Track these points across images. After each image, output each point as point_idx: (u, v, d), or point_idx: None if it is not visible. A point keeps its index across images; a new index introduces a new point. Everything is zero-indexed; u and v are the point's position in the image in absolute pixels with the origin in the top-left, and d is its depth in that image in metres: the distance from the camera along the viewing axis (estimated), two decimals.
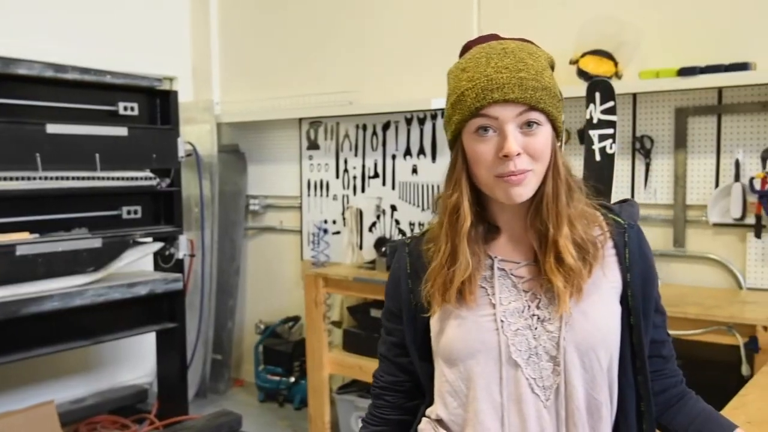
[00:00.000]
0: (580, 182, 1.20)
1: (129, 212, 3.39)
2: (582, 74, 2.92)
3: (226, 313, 4.31)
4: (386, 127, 3.73)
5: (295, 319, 4.12)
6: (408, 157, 3.66)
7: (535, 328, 1.14)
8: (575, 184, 1.18)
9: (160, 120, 3.55)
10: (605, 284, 1.17)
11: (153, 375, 4.20)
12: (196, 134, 4.19)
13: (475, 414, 1.15)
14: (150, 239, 3.52)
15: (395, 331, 1.29)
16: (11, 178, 2.90)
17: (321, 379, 3.39)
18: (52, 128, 3.03)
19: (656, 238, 2.96)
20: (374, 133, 3.79)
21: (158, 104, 3.56)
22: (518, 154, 1.09)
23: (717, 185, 2.81)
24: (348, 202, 3.91)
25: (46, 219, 3.08)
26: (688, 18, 2.86)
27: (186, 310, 3.74)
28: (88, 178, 3.16)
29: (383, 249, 3.38)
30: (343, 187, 3.92)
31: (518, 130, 1.10)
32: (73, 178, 3.10)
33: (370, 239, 3.78)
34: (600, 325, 1.14)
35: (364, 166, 3.84)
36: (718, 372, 2.62)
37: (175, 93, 3.59)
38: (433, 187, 3.56)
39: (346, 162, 3.91)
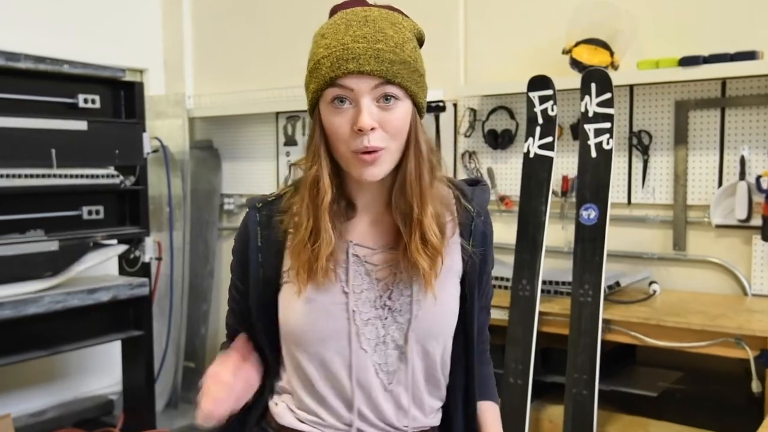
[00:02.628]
0: (441, 161, 1.19)
1: (90, 212, 3.15)
2: (576, 64, 2.71)
3: (199, 319, 4.08)
4: None
5: None
6: None
7: (386, 318, 1.15)
8: (438, 163, 1.17)
9: (124, 114, 3.32)
10: (449, 270, 1.17)
11: (119, 385, 3.97)
12: (167, 129, 3.96)
13: (323, 396, 1.17)
14: (114, 241, 3.29)
15: (243, 303, 1.25)
16: None
17: None
18: (3, 121, 2.80)
19: (655, 240, 2.76)
20: None
21: (122, 97, 3.33)
22: (373, 129, 1.06)
23: (720, 184, 2.62)
24: None
25: None
26: (686, 4, 2.66)
27: (155, 316, 3.52)
28: (45, 176, 2.93)
29: None
30: None
31: (374, 104, 1.07)
32: (28, 176, 2.86)
33: None
34: (446, 311, 1.17)
35: None
36: (722, 386, 2.44)
37: (141, 84, 3.36)
38: None
39: None
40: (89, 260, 3.11)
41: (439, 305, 1.16)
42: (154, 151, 3.59)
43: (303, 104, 3.64)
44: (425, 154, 1.13)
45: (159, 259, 3.61)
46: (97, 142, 3.11)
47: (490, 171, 3.11)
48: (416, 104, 1.12)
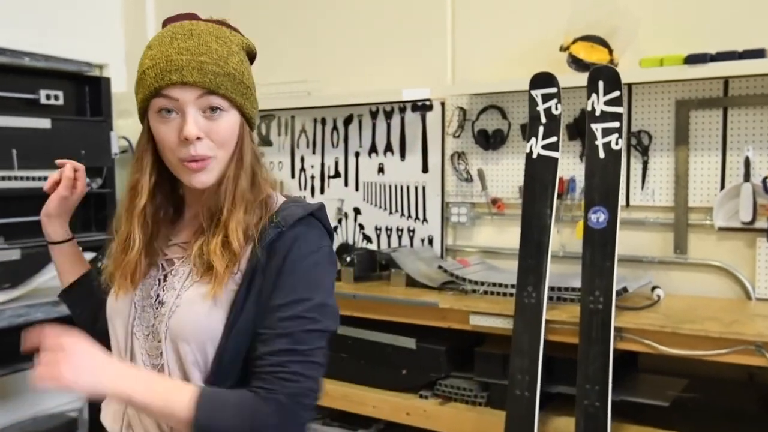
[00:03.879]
0: (271, 176, 1.23)
1: None
2: (575, 62, 2.62)
3: None
4: (348, 121, 3.36)
5: None
6: (373, 154, 3.30)
7: (157, 308, 1.18)
8: (262, 175, 1.20)
9: (89, 111, 3.09)
10: (228, 280, 1.15)
11: (82, 401, 3.72)
12: (131, 128, 3.71)
13: None
14: (79, 249, 3.05)
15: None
16: None
17: None
18: None
19: (655, 243, 2.69)
20: (335, 127, 3.41)
21: (87, 93, 3.11)
22: (198, 138, 1.10)
23: (723, 186, 2.55)
24: None
25: None
26: (687, 1, 2.60)
27: None
28: (5, 178, 2.69)
29: (347, 258, 3.01)
30: (300, 188, 3.53)
31: (200, 114, 1.11)
32: None
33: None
34: (197, 319, 1.14)
35: (323, 165, 3.45)
36: (729, 393, 2.37)
37: (107, 80, 3.15)
38: (402, 187, 3.21)
39: (302, 160, 3.52)
40: (53, 270, 2.87)
41: (193, 308, 1.15)
42: (123, 152, 3.36)
43: (278, 102, 3.44)
44: (247, 164, 1.17)
45: None
46: (62, 141, 2.89)
47: (480, 172, 3.00)
48: (244, 115, 1.17)
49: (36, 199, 2.81)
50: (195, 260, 1.16)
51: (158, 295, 1.19)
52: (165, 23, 1.21)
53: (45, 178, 2.80)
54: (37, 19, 3.51)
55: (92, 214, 3.08)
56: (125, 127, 3.68)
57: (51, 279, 2.90)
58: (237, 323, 1.13)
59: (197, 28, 1.16)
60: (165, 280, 1.20)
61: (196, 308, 1.15)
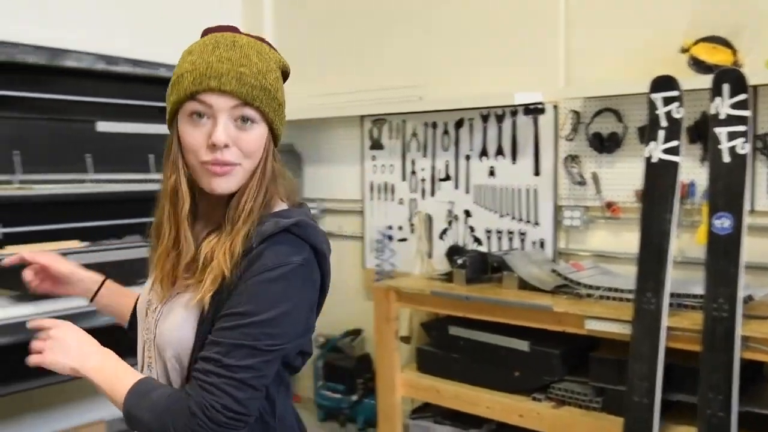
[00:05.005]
0: (288, 188, 1.23)
1: None
2: (696, 63, 2.56)
3: None
4: (459, 124, 3.41)
5: (357, 332, 3.82)
6: (484, 158, 3.33)
7: (157, 318, 1.21)
8: (279, 193, 1.21)
9: None
10: (200, 291, 1.15)
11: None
12: None
13: None
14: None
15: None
16: (59, 181, 2.65)
17: (393, 402, 3.08)
18: (102, 126, 2.78)
19: None
20: (445, 131, 3.47)
21: None
22: (226, 146, 1.11)
23: None
24: (416, 207, 3.59)
25: (96, 225, 2.83)
26: None
27: None
28: (141, 181, 2.90)
29: (458, 260, 3.06)
30: (411, 191, 3.61)
31: (232, 123, 1.12)
32: (127, 181, 2.84)
33: (441, 247, 3.46)
34: (173, 328, 1.16)
35: (433, 168, 3.52)
36: None
37: None
38: (513, 190, 3.22)
39: (413, 163, 3.60)
40: None
41: (172, 317, 1.18)
42: None
43: (390, 107, 3.52)
44: (267, 178, 1.18)
45: None
46: None
47: (594, 176, 2.97)
48: (272, 130, 1.18)
49: None
50: (203, 265, 1.16)
51: (149, 300, 1.25)
52: (205, 33, 1.22)
53: None
54: (163, 31, 3.74)
55: None
56: None
57: None
58: (204, 335, 1.14)
59: (240, 40, 1.18)
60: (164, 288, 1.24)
61: (177, 318, 1.18)
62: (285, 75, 1.26)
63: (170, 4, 3.78)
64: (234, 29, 1.22)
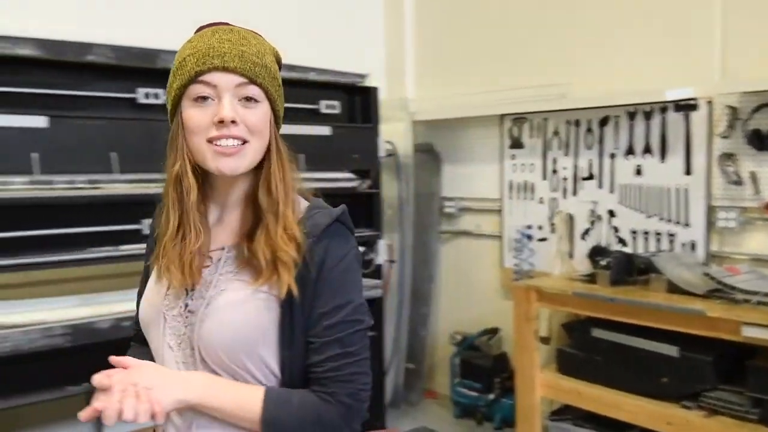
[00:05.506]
0: (297, 172, 1.21)
1: None
2: None
3: (418, 321, 4.10)
4: (604, 122, 3.33)
5: (494, 331, 3.82)
6: (630, 156, 3.23)
7: (186, 317, 1.16)
8: (297, 173, 1.20)
9: (360, 118, 3.40)
10: (264, 287, 1.13)
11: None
12: (390, 133, 4.01)
13: None
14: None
15: (143, 284, 1.30)
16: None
17: (532, 402, 3.07)
18: None
19: None
20: (589, 129, 3.40)
21: (358, 102, 3.42)
22: (234, 122, 1.09)
23: None
24: (557, 206, 3.54)
25: None
26: None
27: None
28: (311, 180, 3.05)
29: (602, 260, 2.99)
30: (551, 190, 3.57)
31: (237, 102, 1.11)
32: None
33: (582, 248, 3.40)
34: (237, 327, 1.12)
35: (576, 167, 3.46)
36: None
37: (376, 90, 3.43)
38: (662, 190, 3.11)
39: (554, 162, 3.55)
40: None
41: (226, 316, 1.12)
42: (389, 155, 3.64)
43: (531, 105, 3.49)
44: (284, 156, 1.17)
45: (393, 261, 3.66)
46: (338, 146, 3.21)
47: (753, 175, 2.81)
48: (274, 111, 1.17)
49: (323, 197, 3.18)
50: (254, 258, 1.13)
51: (187, 305, 1.17)
52: (198, 30, 1.21)
53: (325, 180, 3.15)
54: (304, 34, 3.90)
55: (360, 213, 3.38)
56: (386, 132, 3.98)
57: None
58: (293, 330, 1.14)
59: (237, 28, 1.19)
60: (192, 290, 1.17)
61: (231, 316, 1.13)
62: (279, 63, 1.24)
63: (310, 8, 3.94)
64: (226, 24, 1.21)
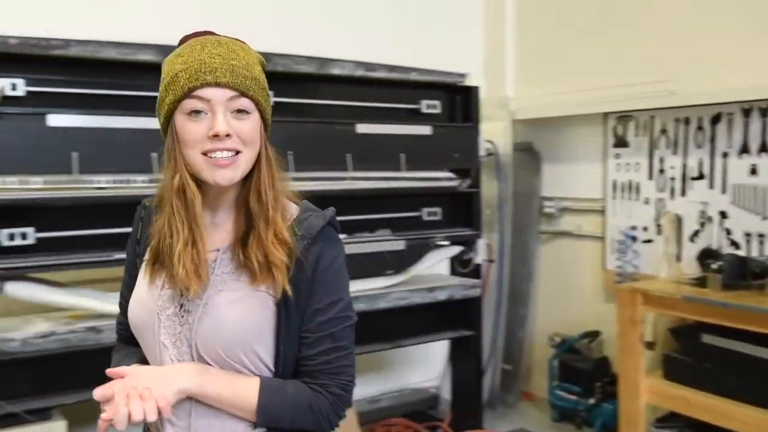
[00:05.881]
0: (285, 177, 1.26)
1: (429, 214, 3.28)
2: None
3: (516, 322, 4.06)
4: (716, 119, 3.19)
5: (595, 334, 3.74)
6: (744, 155, 3.09)
7: (182, 317, 1.21)
8: (281, 176, 1.24)
9: (460, 118, 3.40)
10: (260, 287, 1.20)
11: (439, 379, 4.10)
12: (489, 132, 3.98)
13: None
14: (447, 242, 3.38)
15: (128, 296, 1.32)
16: (323, 179, 2.92)
17: (636, 408, 2.98)
18: (361, 128, 3.01)
19: None
20: (699, 127, 3.26)
21: (458, 101, 3.42)
22: (228, 135, 1.14)
23: None
24: (664, 207, 3.42)
25: (353, 219, 3.07)
26: None
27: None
28: (393, 179, 3.09)
29: (713, 264, 2.87)
30: (658, 190, 3.45)
31: (230, 115, 1.16)
32: (380, 179, 3.05)
33: (691, 250, 3.27)
34: (233, 325, 1.18)
35: (685, 166, 3.33)
36: None
37: (476, 89, 3.42)
38: None
39: (661, 161, 3.43)
40: (429, 260, 3.23)
41: (224, 315, 1.19)
42: (489, 154, 3.63)
43: (637, 103, 3.38)
44: (273, 163, 1.22)
45: (491, 261, 3.65)
46: (438, 145, 3.22)
47: None
48: (264, 119, 1.21)
49: (415, 197, 3.22)
50: (248, 261, 1.18)
51: (182, 305, 1.21)
52: (183, 40, 1.24)
53: (424, 179, 3.17)
54: (402, 34, 3.93)
55: (460, 212, 3.38)
56: (485, 131, 3.96)
57: (428, 268, 3.26)
58: (289, 326, 1.20)
59: (224, 39, 1.21)
60: (187, 290, 1.20)
61: (228, 314, 1.18)
62: (263, 68, 1.28)
63: (411, 13, 3.97)
64: (210, 33, 1.24)
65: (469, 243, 3.38)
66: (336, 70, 2.95)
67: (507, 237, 3.97)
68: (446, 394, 3.92)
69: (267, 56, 2.70)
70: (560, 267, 4.02)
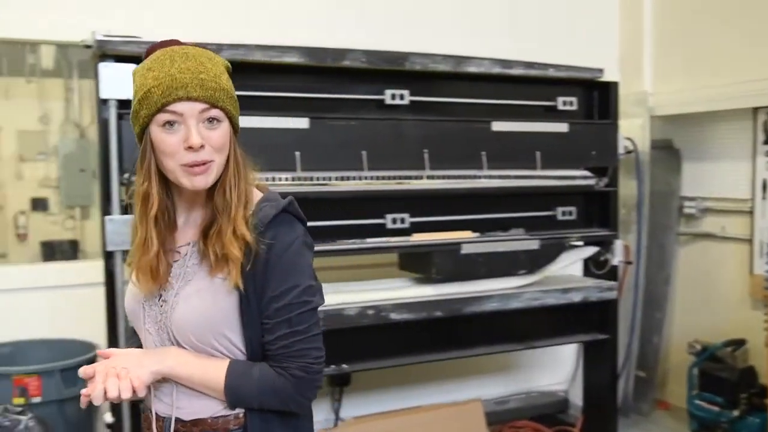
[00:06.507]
0: (252, 175, 1.35)
1: (563, 213, 3.20)
2: None
3: (652, 327, 3.90)
4: None
5: (740, 342, 3.53)
6: None
7: (161, 306, 1.34)
8: (250, 175, 1.34)
9: (597, 114, 3.29)
10: (221, 275, 1.29)
11: (567, 383, 4.00)
12: (626, 129, 3.83)
13: None
14: (580, 243, 3.29)
15: None
16: (458, 177, 2.91)
17: None
18: (497, 126, 2.98)
19: None
20: None
21: (595, 98, 3.31)
22: (202, 146, 1.24)
23: None
24: None
25: (485, 218, 3.04)
26: None
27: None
28: (528, 177, 3.04)
29: None
30: None
31: (201, 125, 1.25)
32: (515, 177, 3.00)
33: None
34: (202, 311, 1.29)
35: None
36: None
37: (615, 84, 3.30)
38: None
39: None
40: (563, 260, 3.15)
41: (193, 303, 1.29)
42: (628, 152, 3.50)
43: None
44: (241, 165, 1.31)
45: (628, 263, 3.52)
46: (575, 143, 3.14)
47: None
48: (233, 124, 1.30)
49: (549, 196, 3.15)
50: (207, 253, 1.28)
51: (161, 295, 1.34)
52: (150, 51, 1.32)
53: (559, 178, 3.10)
54: (532, 29, 3.85)
55: (595, 212, 3.28)
56: (624, 127, 3.81)
57: (562, 268, 3.19)
58: (251, 311, 1.28)
59: (190, 51, 1.28)
60: (166, 282, 1.33)
61: (197, 302, 1.29)
62: (229, 73, 1.36)
63: (543, 6, 3.88)
64: (177, 42, 1.32)
65: (605, 244, 3.27)
66: (472, 68, 2.93)
67: (644, 238, 3.81)
68: (575, 398, 3.83)
69: (404, 56, 2.78)
70: (701, 270, 3.81)
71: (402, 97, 2.82)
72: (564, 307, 3.13)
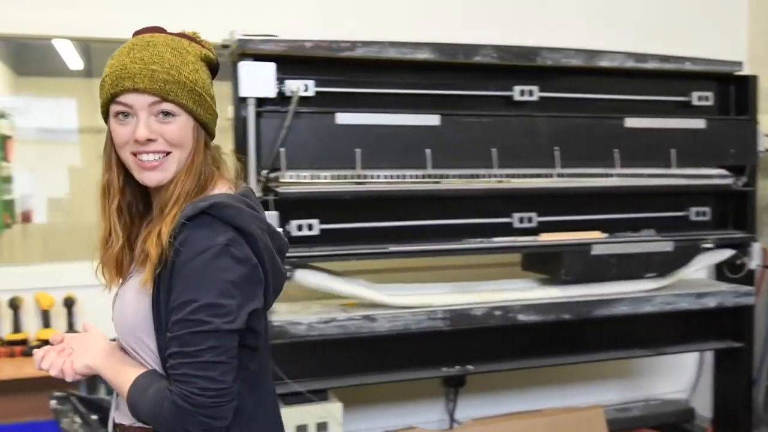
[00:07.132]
0: (227, 176, 1.28)
1: (697, 214, 3.05)
2: None
3: None
4: None
5: None
6: None
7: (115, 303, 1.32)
8: (211, 177, 1.25)
9: (734, 110, 3.12)
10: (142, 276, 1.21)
11: (690, 391, 3.82)
12: (765, 126, 3.61)
13: None
14: (711, 244, 3.12)
15: None
16: (589, 175, 2.82)
17: None
18: (630, 122, 2.87)
19: None
20: None
21: (731, 92, 3.14)
22: (150, 140, 1.19)
23: None
24: None
25: (616, 218, 2.93)
26: None
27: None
28: (662, 176, 2.91)
29: None
30: None
31: (153, 118, 1.19)
32: (649, 176, 2.88)
33: None
34: (122, 311, 1.26)
35: None
36: None
37: (754, 78, 3.11)
38: None
39: None
40: (698, 263, 3.01)
41: (121, 301, 1.27)
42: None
43: None
44: (196, 166, 1.22)
45: (766, 267, 3.33)
46: (711, 140, 2.99)
47: None
48: (199, 121, 1.23)
49: (682, 195, 3.00)
50: (139, 251, 1.21)
51: (117, 291, 1.32)
52: (134, 35, 1.27)
53: (694, 176, 2.96)
54: (663, 21, 3.69)
55: (730, 213, 3.11)
56: (762, 123, 3.59)
57: (695, 272, 3.04)
58: (160, 319, 1.18)
59: (155, 39, 1.22)
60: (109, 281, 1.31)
61: (124, 301, 1.26)
62: (212, 66, 1.29)
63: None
64: (159, 29, 1.26)
65: (742, 246, 3.09)
66: (605, 62, 2.82)
67: None
68: (700, 407, 3.65)
69: (535, 50, 2.70)
70: None
71: (531, 93, 2.75)
72: (696, 313, 2.99)
